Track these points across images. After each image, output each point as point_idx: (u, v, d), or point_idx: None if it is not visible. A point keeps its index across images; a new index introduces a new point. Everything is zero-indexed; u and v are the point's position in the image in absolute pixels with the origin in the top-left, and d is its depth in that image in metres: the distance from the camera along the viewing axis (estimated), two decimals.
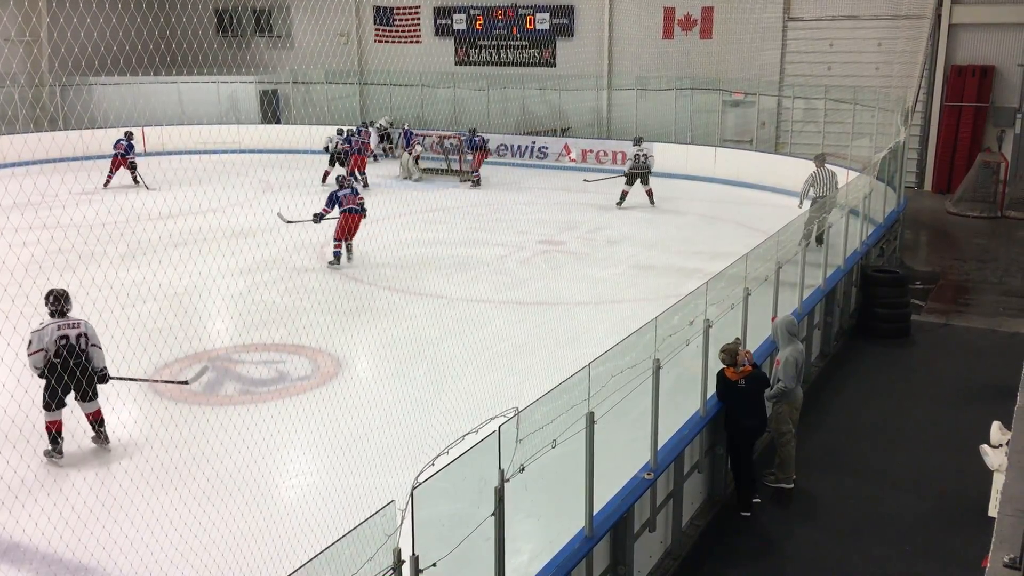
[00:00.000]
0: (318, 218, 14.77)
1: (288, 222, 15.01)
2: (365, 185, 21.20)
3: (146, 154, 25.83)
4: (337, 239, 14.58)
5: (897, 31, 22.48)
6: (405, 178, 23.14)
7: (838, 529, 7.60)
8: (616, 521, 5.94)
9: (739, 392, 7.53)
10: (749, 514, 7.71)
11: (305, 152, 25.86)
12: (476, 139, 22.91)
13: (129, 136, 22.08)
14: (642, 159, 19.45)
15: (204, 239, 15.71)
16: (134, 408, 9.00)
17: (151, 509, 6.75)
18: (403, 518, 3.79)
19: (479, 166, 22.63)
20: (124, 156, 21.87)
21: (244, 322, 11.59)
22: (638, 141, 20.07)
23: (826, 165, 15.70)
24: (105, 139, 24.82)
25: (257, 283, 13.30)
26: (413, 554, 3.87)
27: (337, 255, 14.56)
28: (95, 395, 8.14)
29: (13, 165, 21.88)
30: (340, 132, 23.13)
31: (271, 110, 29.59)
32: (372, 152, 24.66)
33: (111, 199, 19.02)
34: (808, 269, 10.67)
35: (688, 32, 25.48)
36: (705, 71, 25.00)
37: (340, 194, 14.75)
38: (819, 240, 12.00)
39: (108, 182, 21.57)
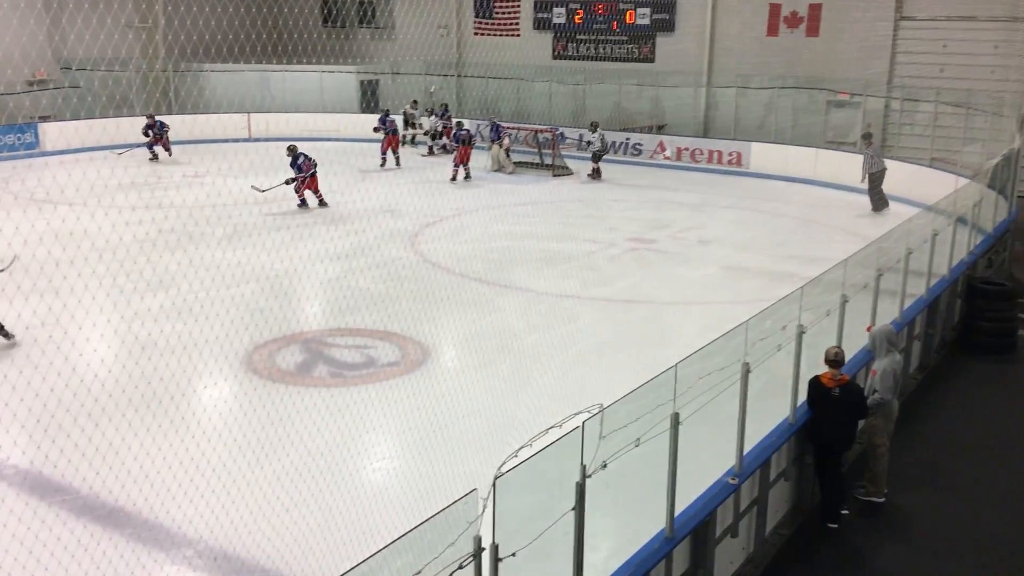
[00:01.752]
0: (290, 182, 17.70)
1: (263, 191, 16.99)
2: (396, 164, 23.56)
3: (251, 140, 26.71)
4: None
5: (1016, 33, 21.45)
6: (495, 170, 23.28)
7: (930, 547, 7.35)
8: (698, 524, 5.89)
9: (832, 401, 7.35)
10: (836, 526, 7.53)
11: (401, 142, 26.33)
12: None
13: (151, 116, 23.38)
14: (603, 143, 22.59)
15: (301, 224, 16.16)
16: (233, 384, 9.34)
17: (246, 482, 7.00)
18: (484, 507, 3.84)
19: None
20: (160, 136, 23.06)
21: (337, 307, 11.89)
22: (595, 127, 23.03)
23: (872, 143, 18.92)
24: (218, 124, 25.78)
25: (350, 269, 13.61)
26: (493, 543, 3.92)
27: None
28: None
29: (129, 146, 22.91)
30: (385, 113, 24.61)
31: (371, 100, 30.17)
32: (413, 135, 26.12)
33: (215, 183, 19.69)
34: (910, 278, 10.33)
35: (794, 30, 24.86)
36: (809, 70, 24.38)
37: (299, 162, 17.78)
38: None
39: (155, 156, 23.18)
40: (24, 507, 6.69)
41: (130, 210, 16.72)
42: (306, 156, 17.85)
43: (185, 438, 7.78)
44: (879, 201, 18.84)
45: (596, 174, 22.44)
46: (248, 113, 27.48)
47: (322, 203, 18.01)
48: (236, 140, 26.21)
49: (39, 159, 23.15)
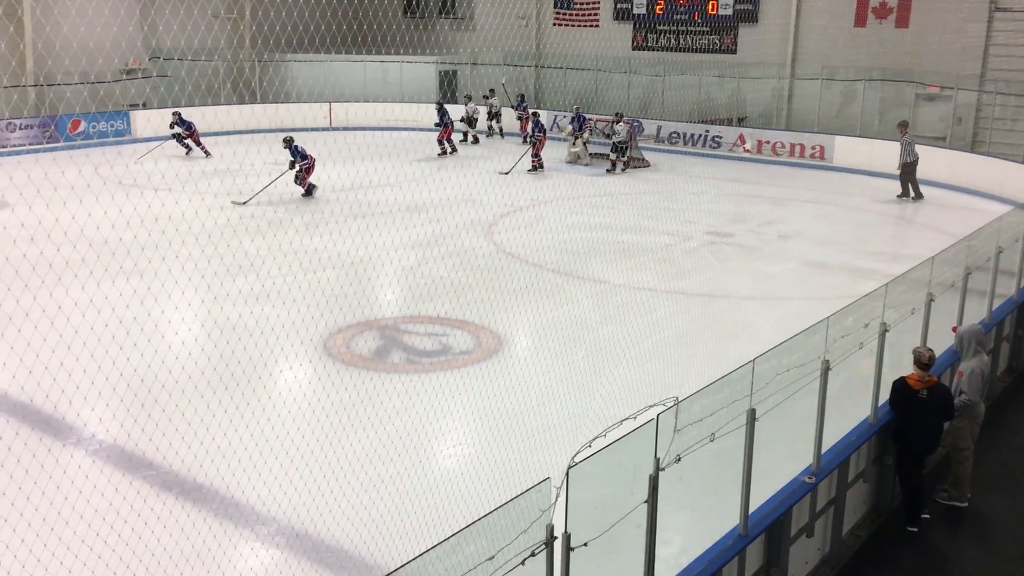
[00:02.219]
0: (292, 165, 17.74)
1: (243, 203, 16.68)
2: (452, 151, 24.06)
3: (331, 129, 27.17)
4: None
5: None
6: (572, 162, 23.20)
7: (1014, 554, 7.08)
8: (772, 522, 5.79)
9: (919, 403, 7.13)
10: (916, 530, 7.31)
11: (480, 132, 26.54)
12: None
13: (177, 114, 23.06)
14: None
15: (380, 212, 16.38)
16: (311, 368, 9.54)
17: (323, 464, 7.15)
18: (557, 496, 3.85)
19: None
20: (191, 131, 22.93)
21: (413, 294, 12.03)
22: (620, 117, 22.57)
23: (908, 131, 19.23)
24: (298, 113, 26.35)
25: (427, 257, 13.75)
26: (565, 532, 3.92)
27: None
28: None
29: (215, 134, 23.54)
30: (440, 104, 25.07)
31: (449, 90, 30.38)
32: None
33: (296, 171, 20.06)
34: (1000, 277, 9.95)
35: (883, 20, 24.11)
36: (898, 62, 23.64)
37: (300, 148, 17.80)
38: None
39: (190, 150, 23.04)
40: (107, 483, 6.94)
41: (219, 196, 17.21)
42: (303, 149, 17.91)
43: (264, 419, 7.98)
44: (909, 189, 19.11)
45: (615, 167, 22.02)
46: (329, 103, 27.96)
47: (308, 193, 18.05)
48: (317, 129, 26.73)
49: (129, 145, 23.97)
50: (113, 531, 6.09)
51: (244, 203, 16.70)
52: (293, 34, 23.89)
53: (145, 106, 26.21)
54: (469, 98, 27.15)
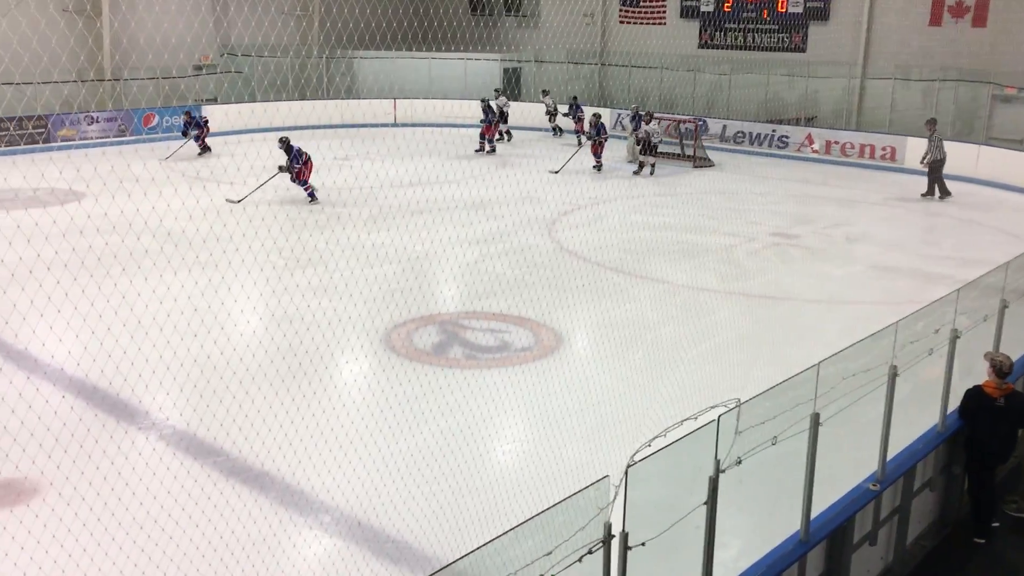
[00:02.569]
0: (282, 169, 17.12)
1: (237, 201, 16.34)
2: (492, 150, 23.97)
3: (396, 125, 27.46)
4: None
5: None
6: (631, 161, 23.04)
7: None
8: (834, 529, 5.70)
9: (996, 411, 6.93)
10: (984, 541, 7.13)
11: (540, 130, 26.55)
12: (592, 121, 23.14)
13: (188, 113, 22.98)
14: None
15: (441, 208, 16.51)
16: (372, 360, 9.68)
17: (382, 456, 7.26)
18: (616, 494, 3.85)
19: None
20: (203, 126, 22.80)
21: (473, 290, 12.11)
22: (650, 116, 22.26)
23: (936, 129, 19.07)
24: (361, 109, 26.67)
25: (488, 254, 13.82)
26: (623, 531, 3.93)
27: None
28: None
29: (280, 129, 23.97)
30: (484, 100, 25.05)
31: (513, 88, 30.46)
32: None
33: (362, 166, 20.36)
34: None
35: (959, 20, 23.45)
36: (974, 63, 22.97)
37: (296, 148, 17.22)
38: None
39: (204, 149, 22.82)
40: (179, 466, 7.16)
41: (283, 190, 17.54)
42: (299, 150, 17.30)
43: (326, 410, 8.13)
44: (935, 189, 19.10)
45: (642, 169, 21.49)
46: (394, 99, 28.25)
47: (312, 198, 17.39)
48: (381, 125, 27.04)
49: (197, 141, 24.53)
50: (184, 512, 6.28)
51: (238, 202, 16.43)
52: (364, 31, 24.19)
53: (216, 101, 26.81)
54: (500, 91, 27.26)
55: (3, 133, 21.25)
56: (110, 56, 25.06)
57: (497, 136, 25.06)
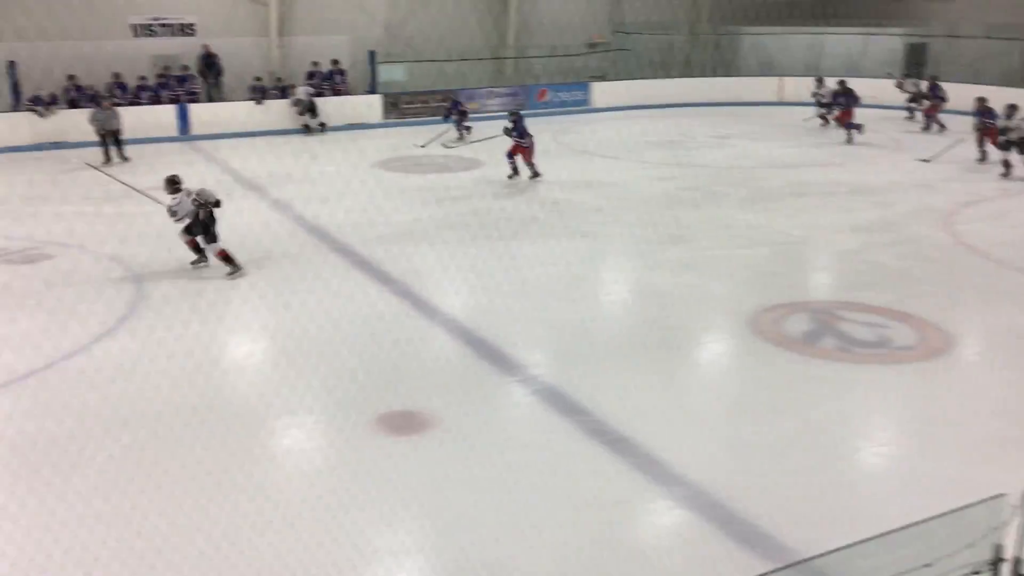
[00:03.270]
0: (506, 131, 16.31)
1: (422, 147, 17.48)
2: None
3: (780, 104, 26.53)
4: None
5: None
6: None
7: None
8: None
9: None
10: None
11: (955, 113, 23.98)
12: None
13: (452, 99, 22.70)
14: None
15: (822, 192, 15.73)
16: (737, 342, 9.55)
17: (738, 438, 7.16)
18: (1012, 516, 3.47)
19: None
20: (464, 112, 22.19)
21: (851, 280, 11.42)
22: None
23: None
24: (744, 87, 26.17)
25: (871, 243, 12.92)
26: (1017, 555, 3.53)
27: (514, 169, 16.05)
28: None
29: (664, 107, 24.36)
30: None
31: (917, 67, 27.87)
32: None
33: (743, 145, 19.98)
34: None
35: None
36: None
37: (523, 126, 16.20)
38: None
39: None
40: (548, 420, 7.64)
41: (661, 166, 17.83)
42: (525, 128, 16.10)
43: (689, 385, 8.19)
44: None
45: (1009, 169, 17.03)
46: (780, 76, 27.32)
47: (535, 174, 15.93)
48: (764, 104, 26.31)
49: (588, 115, 25.73)
50: (547, 465, 6.74)
51: (423, 146, 17.78)
52: (760, 6, 23.68)
53: (604, 78, 27.84)
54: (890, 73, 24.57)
55: (425, 106, 24.15)
56: (514, 36, 27.09)
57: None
